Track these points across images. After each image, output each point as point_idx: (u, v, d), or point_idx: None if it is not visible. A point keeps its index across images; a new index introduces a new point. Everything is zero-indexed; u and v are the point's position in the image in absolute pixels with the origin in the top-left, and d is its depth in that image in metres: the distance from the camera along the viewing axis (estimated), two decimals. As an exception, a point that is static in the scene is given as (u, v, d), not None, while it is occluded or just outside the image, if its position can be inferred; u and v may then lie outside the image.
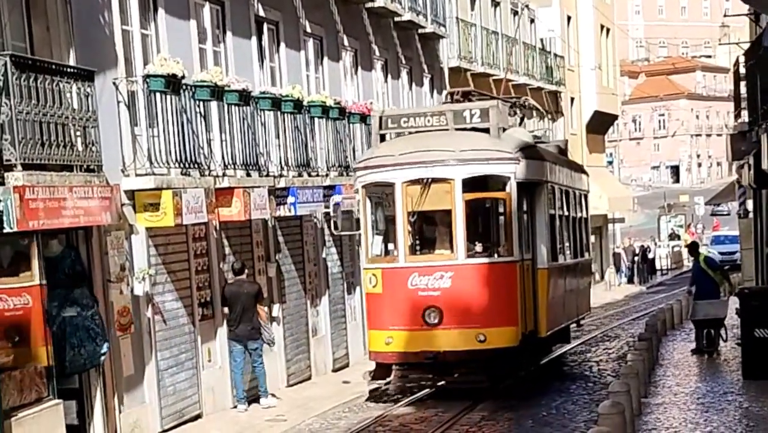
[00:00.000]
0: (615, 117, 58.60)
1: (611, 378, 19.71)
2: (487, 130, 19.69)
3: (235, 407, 19.40)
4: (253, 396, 19.80)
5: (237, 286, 19.18)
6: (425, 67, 32.73)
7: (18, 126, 13.37)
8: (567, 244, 22.86)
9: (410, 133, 20.32)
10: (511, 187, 19.18)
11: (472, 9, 38.33)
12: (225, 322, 19.43)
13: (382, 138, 20.38)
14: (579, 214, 24.59)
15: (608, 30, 54.59)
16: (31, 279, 14.53)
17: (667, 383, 19.54)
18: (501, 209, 19.61)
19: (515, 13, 42.87)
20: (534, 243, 20.00)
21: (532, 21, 44.74)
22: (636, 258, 55.96)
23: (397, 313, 18.94)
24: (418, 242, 19.67)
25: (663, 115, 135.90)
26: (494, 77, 38.58)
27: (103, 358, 15.56)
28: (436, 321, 18.68)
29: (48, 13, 15.27)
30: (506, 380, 19.52)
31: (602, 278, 47.70)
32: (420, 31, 31.42)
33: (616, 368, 21.54)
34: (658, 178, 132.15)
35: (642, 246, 58.57)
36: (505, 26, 41.23)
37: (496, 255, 19.42)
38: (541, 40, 45.41)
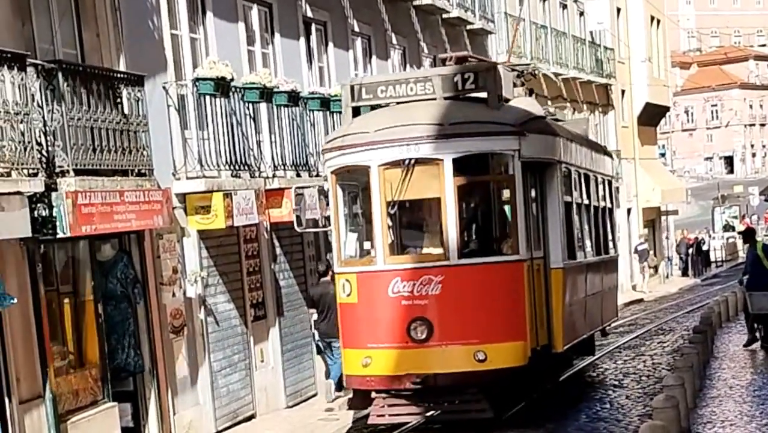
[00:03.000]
0: (667, 109, 58.15)
1: (666, 372, 19.58)
2: (484, 101, 16.13)
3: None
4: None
5: (323, 287, 19.15)
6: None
7: (69, 132, 13.54)
8: (587, 238, 19.49)
9: (389, 105, 16.68)
10: (515, 168, 15.75)
11: (521, 4, 38.22)
12: (313, 322, 19.52)
13: (356, 112, 16.63)
14: (603, 204, 21.02)
15: (659, 21, 54.18)
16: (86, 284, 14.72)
17: (722, 376, 19.39)
18: (503, 196, 16.29)
19: (564, 6, 42.72)
20: (546, 238, 16.71)
21: (581, 14, 44.52)
22: (690, 250, 55.55)
23: (377, 327, 15.47)
24: (400, 239, 16.17)
25: (716, 105, 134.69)
26: (544, 71, 38.47)
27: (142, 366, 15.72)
28: (424, 337, 15.17)
29: (98, 19, 15.45)
30: (514, 407, 16.53)
31: (656, 270, 47.44)
32: (468, 27, 31.37)
33: (671, 362, 21.41)
34: (711, 169, 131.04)
35: (696, 238, 58.12)
36: (553, 20, 41.09)
37: (497, 253, 16.00)
38: (591, 32, 45.16)
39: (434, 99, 16.16)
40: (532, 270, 16.02)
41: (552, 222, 16.80)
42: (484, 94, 16.14)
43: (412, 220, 16.45)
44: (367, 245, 16.19)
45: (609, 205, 21.79)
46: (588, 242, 19.45)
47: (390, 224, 15.80)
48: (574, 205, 18.26)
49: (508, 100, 16.92)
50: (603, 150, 22.48)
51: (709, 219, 72.62)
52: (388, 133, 15.46)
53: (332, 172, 16.10)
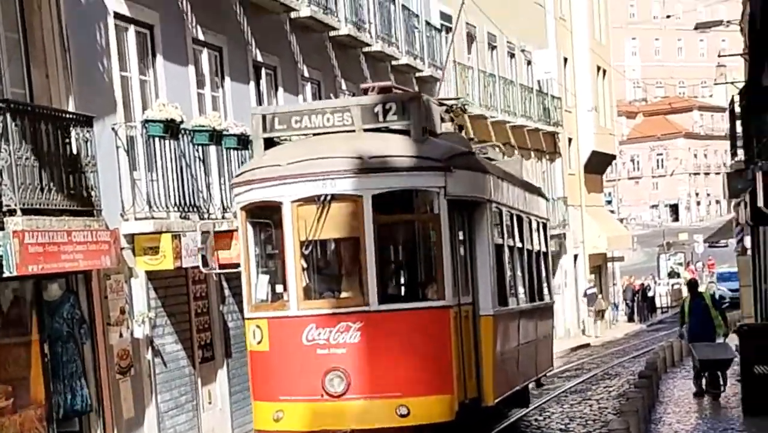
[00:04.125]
0: (613, 157, 58.79)
1: (612, 416, 19.69)
2: (407, 133, 14.91)
3: None
4: None
5: None
6: (422, 109, 32.83)
7: (17, 171, 13.49)
8: (520, 284, 18.38)
9: (305, 136, 15.60)
10: (441, 207, 14.50)
11: (469, 52, 38.59)
12: None
13: (268, 144, 15.49)
14: (537, 247, 20.08)
15: (605, 71, 54.91)
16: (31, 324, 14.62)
17: (667, 421, 19.53)
18: (428, 237, 14.91)
19: (512, 55, 43.17)
20: (475, 283, 15.49)
21: (529, 63, 45.03)
22: (636, 296, 56.03)
23: (289, 378, 14.27)
24: (315, 282, 14.93)
25: (661, 154, 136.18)
26: (492, 119, 38.84)
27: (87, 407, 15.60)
28: (342, 389, 13.98)
29: (47, 60, 15.44)
30: None
31: (602, 316, 47.85)
32: (417, 74, 31.62)
33: (617, 406, 21.54)
34: (657, 216, 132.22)
35: (642, 284, 58.64)
36: (501, 69, 41.51)
37: (421, 299, 14.72)
38: (538, 81, 45.68)
39: (353, 131, 14.97)
40: (459, 317, 14.81)
41: (481, 266, 15.58)
42: (407, 126, 14.93)
43: (329, 261, 15.35)
44: (279, 288, 14.91)
45: (544, 249, 20.92)
46: (521, 288, 18.37)
47: (304, 265, 14.58)
48: (506, 248, 17.15)
49: (436, 135, 15.82)
50: (537, 191, 21.41)
51: (655, 265, 73.29)
52: (303, 167, 14.30)
53: (242, 209, 14.99)
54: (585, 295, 47.23)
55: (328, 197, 14.20)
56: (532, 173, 43.28)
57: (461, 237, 15.34)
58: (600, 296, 48.36)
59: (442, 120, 17.04)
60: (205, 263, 15.85)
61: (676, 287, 65.94)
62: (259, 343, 14.61)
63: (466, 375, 14.91)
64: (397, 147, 14.67)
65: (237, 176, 15.47)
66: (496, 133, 38.85)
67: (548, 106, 46.04)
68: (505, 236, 17.15)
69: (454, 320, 14.58)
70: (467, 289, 15.28)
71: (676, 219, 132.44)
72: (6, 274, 13.23)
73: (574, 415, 21.78)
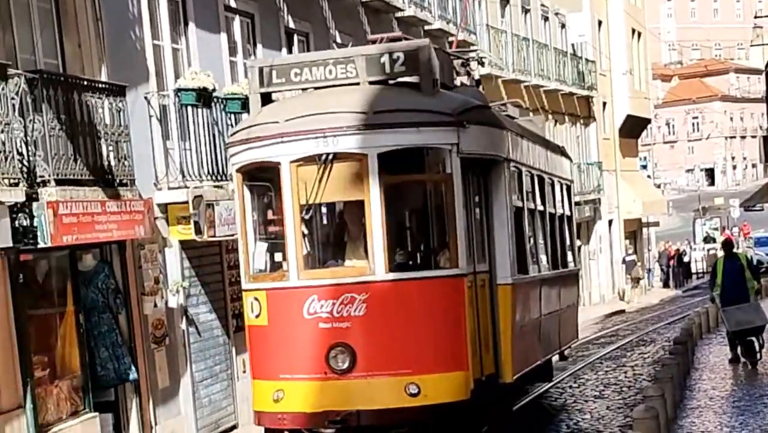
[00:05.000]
0: (648, 121, 58.42)
1: (646, 383, 19.63)
2: (417, 86, 13.56)
3: None
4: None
5: None
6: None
7: (51, 142, 13.54)
8: (543, 250, 17.16)
9: (305, 90, 14.23)
10: (453, 166, 13.15)
11: (503, 16, 38.36)
12: None
13: (266, 99, 13.96)
14: (560, 210, 18.75)
15: (640, 34, 54.45)
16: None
17: (702, 387, 19.44)
18: (439, 199, 13.47)
19: (546, 18, 42.89)
20: (492, 249, 14.23)
21: (563, 26, 44.72)
22: (671, 261, 55.81)
23: (290, 355, 12.95)
24: (317, 249, 13.80)
25: (697, 117, 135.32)
26: (525, 83, 38.65)
27: (131, 375, 15.69)
28: (346, 366, 12.63)
29: (80, 30, 15.45)
30: None
31: (638, 282, 47.75)
32: (450, 39, 31.42)
33: (652, 373, 21.46)
34: (692, 181, 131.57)
35: (677, 250, 58.37)
36: (535, 32, 41.26)
37: (433, 267, 13.38)
38: (572, 45, 45.37)
39: (357, 84, 13.52)
40: (475, 286, 13.60)
41: (499, 230, 14.27)
42: (417, 79, 13.53)
43: (332, 227, 14.14)
44: (279, 257, 13.60)
45: (567, 212, 19.40)
46: (543, 254, 17.09)
47: (305, 231, 13.33)
48: (526, 212, 15.81)
49: (449, 89, 14.50)
50: (560, 150, 19.88)
51: (690, 231, 72.94)
52: (302, 123, 12.91)
53: (238, 171, 13.58)
54: (623, 262, 47.25)
55: (330, 156, 12.81)
56: (566, 138, 43.11)
57: (477, 199, 14.09)
58: (638, 263, 48.35)
59: (457, 74, 16.08)
60: (198, 230, 15.41)
61: (711, 252, 65.51)
62: (257, 317, 13.28)
63: (482, 350, 13.67)
64: (406, 101, 13.28)
65: (231, 135, 14.09)
66: (529, 97, 38.64)
67: (582, 70, 45.72)
68: (526, 198, 15.80)
69: (469, 289, 13.35)
70: (483, 256, 14.06)
71: (712, 183, 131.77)
72: (41, 245, 13.31)
73: (609, 382, 21.74)
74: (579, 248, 43.59)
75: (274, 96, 14.11)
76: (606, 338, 31.03)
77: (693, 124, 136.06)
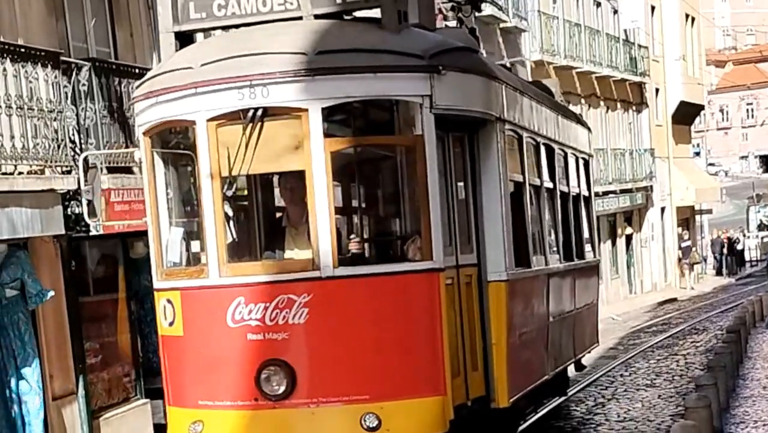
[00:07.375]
0: (701, 107, 57.93)
1: (699, 371, 19.51)
2: (378, 22, 10.26)
3: None
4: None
5: None
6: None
7: (102, 129, 13.63)
8: (551, 237, 13.81)
9: (233, 28, 10.76)
10: (425, 125, 9.79)
11: (554, 2, 38.16)
12: None
13: (184, 41, 10.79)
14: (576, 190, 15.45)
15: (693, 19, 53.98)
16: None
17: (755, 376, 19.27)
18: (407, 170, 10.24)
19: (598, 4, 42.62)
20: (480, 236, 10.93)
21: (615, 12, 44.42)
22: (725, 249, 55.44)
23: (210, 375, 9.79)
24: (245, 237, 10.87)
25: (751, 104, 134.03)
26: (577, 70, 38.43)
27: None
28: (282, 391, 9.47)
29: (131, 18, 15.57)
30: None
31: (692, 269, 47.62)
32: (501, 25, 31.31)
33: (704, 361, 21.33)
34: (746, 168, 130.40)
35: (730, 237, 57.94)
36: (587, 18, 41.03)
37: (398, 260, 10.23)
38: (625, 31, 45.05)
39: (300, 18, 10.39)
40: (457, 284, 10.50)
41: (490, 212, 10.94)
42: (376, 10, 10.34)
43: (265, 207, 11.09)
44: (196, 246, 10.37)
45: (585, 192, 16.15)
46: (551, 243, 13.80)
47: (229, 213, 10.28)
48: (529, 189, 12.39)
49: (425, 28, 10.85)
50: (575, 117, 16.57)
51: (744, 218, 72.30)
52: (222, 69, 9.63)
53: (144, 134, 10.36)
54: (680, 248, 47.38)
55: (259, 112, 9.53)
56: (619, 124, 42.89)
57: (459, 170, 10.82)
58: (694, 249, 48.33)
59: (445, 18, 13.45)
60: (92, 212, 12.78)
61: (765, 240, 65.01)
62: (171, 325, 10.11)
63: (467, 367, 10.59)
64: (361, 39, 10.02)
65: (137, 88, 10.72)
66: (581, 84, 38.44)
67: (635, 56, 45.40)
68: (527, 171, 12.32)
69: (449, 288, 10.18)
70: (469, 245, 10.88)
71: (767, 170, 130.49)
72: (93, 232, 13.40)
73: (661, 370, 21.61)
74: (630, 235, 43.84)
75: (194, 37, 11.14)
76: (658, 326, 30.88)
77: (747, 111, 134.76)
